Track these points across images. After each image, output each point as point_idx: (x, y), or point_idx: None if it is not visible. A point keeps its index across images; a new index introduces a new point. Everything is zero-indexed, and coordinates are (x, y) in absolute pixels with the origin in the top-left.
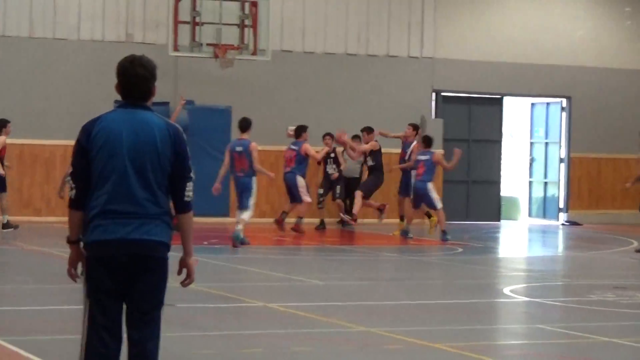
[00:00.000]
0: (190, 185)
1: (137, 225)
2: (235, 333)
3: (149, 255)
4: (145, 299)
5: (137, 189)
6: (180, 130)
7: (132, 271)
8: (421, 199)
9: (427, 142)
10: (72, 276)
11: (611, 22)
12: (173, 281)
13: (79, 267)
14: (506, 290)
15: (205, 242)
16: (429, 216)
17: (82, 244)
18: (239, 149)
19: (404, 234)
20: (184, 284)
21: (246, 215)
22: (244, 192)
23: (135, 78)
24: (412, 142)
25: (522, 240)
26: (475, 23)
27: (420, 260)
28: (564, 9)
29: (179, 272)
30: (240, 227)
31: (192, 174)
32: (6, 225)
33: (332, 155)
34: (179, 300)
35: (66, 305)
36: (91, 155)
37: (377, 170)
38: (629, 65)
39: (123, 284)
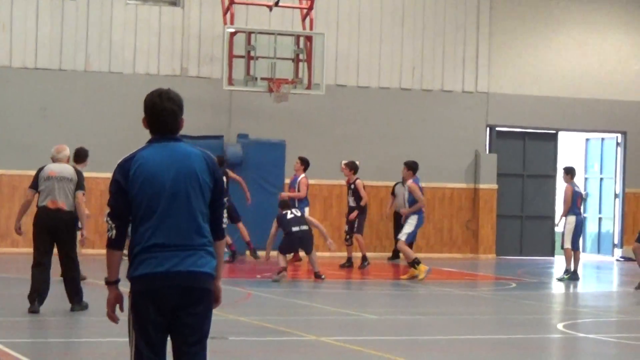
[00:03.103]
0: (225, 213)
1: (183, 257)
2: None
3: (195, 287)
4: (192, 331)
5: (181, 221)
6: (214, 159)
7: (178, 303)
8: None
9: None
10: (113, 319)
11: None
12: (226, 314)
13: (117, 308)
14: (559, 326)
15: (259, 276)
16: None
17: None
18: None
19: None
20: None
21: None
22: None
23: (165, 112)
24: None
25: (576, 276)
26: (530, 58)
27: (474, 295)
28: (619, 44)
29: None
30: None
31: (226, 201)
32: None
33: (352, 187)
34: (232, 333)
35: (110, 338)
36: (131, 194)
37: None
38: None
39: (169, 317)
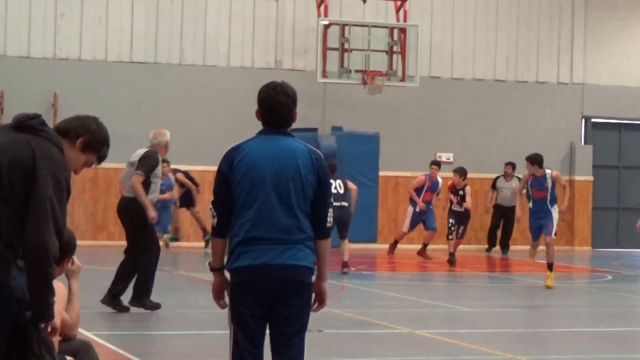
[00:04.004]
0: (331, 212)
1: (281, 251)
2: (382, 359)
3: (293, 280)
4: (290, 324)
5: (280, 216)
6: (322, 157)
7: (276, 296)
8: None
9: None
10: (220, 305)
11: None
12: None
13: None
14: None
15: (353, 269)
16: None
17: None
18: None
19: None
20: (315, 309)
21: None
22: None
23: (279, 105)
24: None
25: None
26: (626, 48)
27: (569, 287)
28: None
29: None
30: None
31: (331, 201)
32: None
33: (461, 192)
34: (326, 325)
35: (209, 330)
36: (233, 184)
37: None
38: None
39: (267, 309)
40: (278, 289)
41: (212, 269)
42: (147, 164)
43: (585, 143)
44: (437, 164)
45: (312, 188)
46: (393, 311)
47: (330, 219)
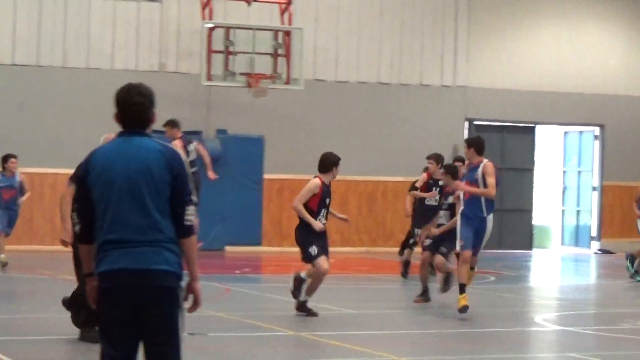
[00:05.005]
0: (191, 209)
1: (137, 254)
2: None
3: (154, 285)
4: (157, 331)
5: (134, 217)
6: (177, 154)
7: (140, 302)
8: None
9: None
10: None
11: None
12: (206, 310)
13: None
14: (538, 319)
15: (238, 271)
16: None
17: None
18: None
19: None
20: (191, 310)
21: None
22: None
23: (135, 106)
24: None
25: (555, 269)
26: (508, 52)
27: (453, 289)
28: (597, 38)
29: (186, 298)
30: None
31: (193, 198)
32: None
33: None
34: (211, 329)
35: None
36: (90, 189)
37: None
38: None
39: (132, 316)
40: (138, 295)
41: (84, 275)
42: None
43: None
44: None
45: (168, 186)
46: (279, 314)
47: (190, 217)
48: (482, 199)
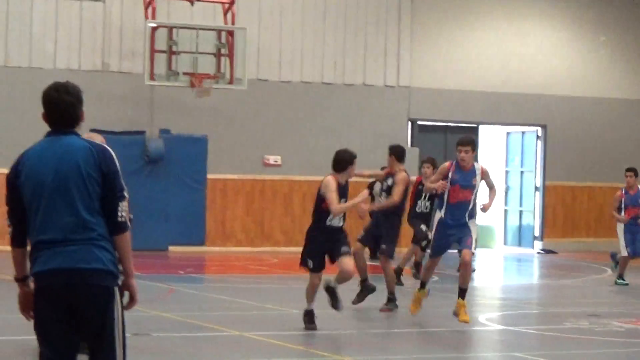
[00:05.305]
0: (123, 205)
1: (68, 253)
2: None
3: (87, 284)
4: (94, 331)
5: (64, 216)
6: (106, 150)
7: (72, 302)
8: None
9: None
10: (26, 317)
11: (586, 51)
12: (149, 310)
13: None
14: (481, 319)
15: (181, 271)
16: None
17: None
18: None
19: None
20: (128, 307)
21: None
22: None
23: (63, 105)
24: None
25: (498, 269)
26: (452, 52)
27: (398, 289)
28: (539, 39)
29: (122, 295)
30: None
31: (125, 193)
32: None
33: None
34: (155, 329)
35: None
36: (20, 190)
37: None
38: (604, 94)
39: (67, 315)
40: (71, 294)
41: (15, 280)
42: None
43: (411, 145)
44: None
45: (97, 183)
46: (222, 314)
47: (123, 213)
48: (470, 204)
